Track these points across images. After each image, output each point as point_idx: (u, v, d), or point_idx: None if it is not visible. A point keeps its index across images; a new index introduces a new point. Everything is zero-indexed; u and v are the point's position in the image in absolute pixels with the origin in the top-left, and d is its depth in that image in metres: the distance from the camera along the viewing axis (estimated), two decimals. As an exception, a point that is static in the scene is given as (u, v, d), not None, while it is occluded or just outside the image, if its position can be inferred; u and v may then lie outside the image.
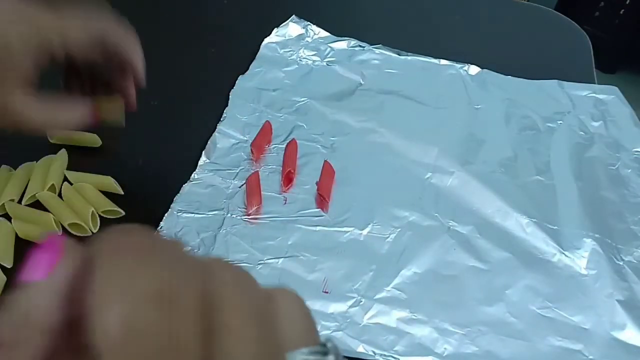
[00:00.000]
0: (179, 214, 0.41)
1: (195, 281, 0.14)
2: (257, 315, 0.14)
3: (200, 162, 0.46)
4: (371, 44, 0.60)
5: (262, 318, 0.15)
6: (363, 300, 0.38)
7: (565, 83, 0.59)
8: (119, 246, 0.14)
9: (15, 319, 0.14)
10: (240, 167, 0.46)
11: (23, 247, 0.38)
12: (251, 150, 0.47)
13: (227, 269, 0.15)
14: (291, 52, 0.58)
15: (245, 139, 0.48)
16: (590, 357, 0.36)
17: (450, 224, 0.43)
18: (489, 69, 0.59)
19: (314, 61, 0.58)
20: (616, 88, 0.59)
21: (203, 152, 0.46)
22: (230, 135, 0.48)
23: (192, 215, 0.42)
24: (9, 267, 0.38)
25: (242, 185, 0.44)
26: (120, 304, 0.13)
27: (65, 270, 0.15)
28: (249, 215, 0.42)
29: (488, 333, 0.37)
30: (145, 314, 0.13)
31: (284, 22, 0.61)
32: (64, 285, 0.15)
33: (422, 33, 0.66)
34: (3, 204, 0.41)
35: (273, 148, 0.48)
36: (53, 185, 0.42)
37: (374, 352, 0.35)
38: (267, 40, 0.59)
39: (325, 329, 0.36)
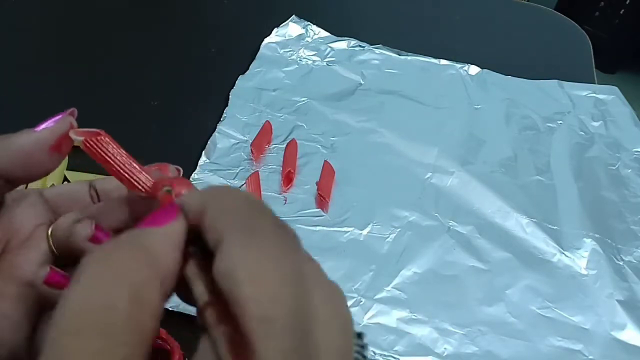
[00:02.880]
0: (179, 214, 0.41)
1: (300, 263, 0.16)
2: (339, 303, 0.16)
3: (200, 162, 0.46)
4: (371, 44, 0.60)
5: (340, 304, 0.16)
6: (363, 300, 0.38)
7: (565, 83, 0.59)
8: (246, 221, 0.16)
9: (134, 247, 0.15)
10: (240, 167, 0.46)
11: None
12: (251, 150, 0.47)
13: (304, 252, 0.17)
14: (291, 52, 0.58)
15: (245, 139, 0.48)
16: (590, 357, 0.36)
17: (450, 224, 0.43)
18: (489, 69, 0.59)
19: (314, 61, 0.58)
20: (616, 88, 0.59)
21: (203, 152, 0.46)
22: (230, 135, 0.48)
23: (192, 215, 0.42)
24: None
25: (242, 185, 0.44)
26: (265, 286, 0.14)
27: (181, 224, 0.16)
28: (249, 215, 0.42)
29: (488, 333, 0.37)
30: (283, 297, 0.14)
31: (284, 22, 0.62)
32: (182, 236, 0.16)
33: (422, 33, 0.66)
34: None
35: (273, 148, 0.48)
36: (53, 185, 0.42)
37: (374, 352, 0.35)
38: (267, 40, 0.59)
39: (325, 329, 0.36)
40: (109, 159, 0.19)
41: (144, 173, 0.19)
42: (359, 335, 0.18)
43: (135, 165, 0.19)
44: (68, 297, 0.14)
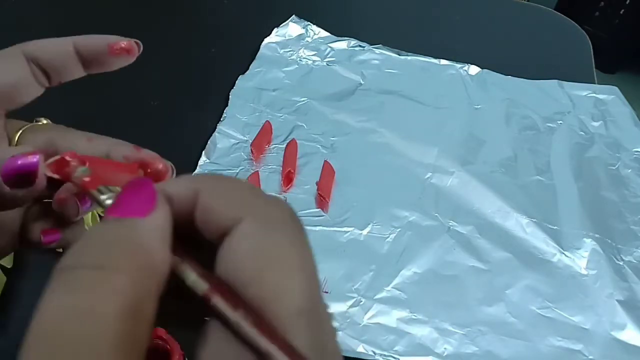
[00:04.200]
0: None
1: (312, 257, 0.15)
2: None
3: (200, 162, 0.46)
4: (371, 44, 0.60)
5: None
6: (363, 300, 0.38)
7: (565, 83, 0.59)
8: (263, 212, 0.15)
9: (116, 248, 0.13)
10: (240, 167, 0.46)
11: (23, 249, 0.38)
12: (251, 150, 0.47)
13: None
14: (291, 52, 0.58)
15: (245, 139, 0.48)
16: (590, 357, 0.36)
17: (450, 224, 0.43)
18: (489, 69, 0.59)
19: (314, 61, 0.58)
20: (616, 88, 0.59)
21: (203, 152, 0.46)
22: (230, 135, 0.48)
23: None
24: (8, 267, 0.38)
25: (242, 185, 0.44)
26: (299, 278, 0.14)
27: (169, 215, 0.15)
28: (249, 215, 0.42)
29: (488, 333, 0.37)
30: (314, 289, 0.14)
31: (284, 22, 0.61)
32: (171, 229, 0.14)
33: (422, 33, 0.66)
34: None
35: (273, 148, 0.48)
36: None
37: (374, 352, 0.35)
38: (267, 40, 0.59)
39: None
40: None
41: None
42: None
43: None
44: (42, 315, 0.11)
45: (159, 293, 0.13)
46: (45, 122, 0.23)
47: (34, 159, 0.19)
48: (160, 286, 0.13)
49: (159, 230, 0.14)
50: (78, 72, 0.23)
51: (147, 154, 0.22)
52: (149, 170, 0.21)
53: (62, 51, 0.22)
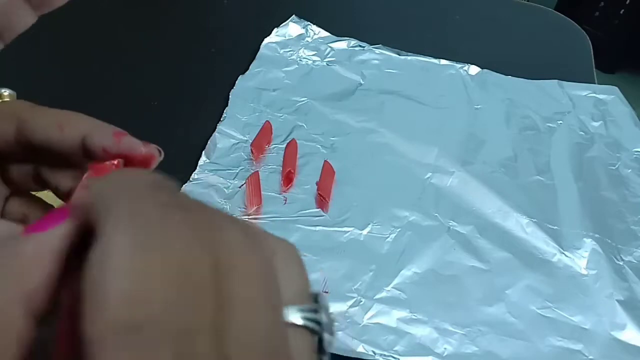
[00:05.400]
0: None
1: (209, 247, 0.13)
2: (265, 280, 0.14)
3: (200, 162, 0.46)
4: (371, 44, 0.60)
5: (269, 281, 0.14)
6: (363, 300, 0.38)
7: (565, 83, 0.59)
8: (129, 206, 0.13)
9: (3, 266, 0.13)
10: (240, 167, 0.46)
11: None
12: (251, 150, 0.47)
13: (234, 227, 0.14)
14: (291, 52, 0.58)
15: (245, 139, 0.48)
16: (590, 357, 0.36)
17: (450, 224, 0.43)
18: (489, 69, 0.59)
19: (314, 61, 0.58)
20: (616, 88, 0.59)
21: (203, 152, 0.46)
22: (230, 135, 0.48)
23: (192, 215, 0.41)
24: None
25: (242, 185, 0.44)
26: (125, 278, 0.11)
27: (66, 227, 0.14)
28: (249, 215, 0.42)
29: (488, 333, 0.37)
30: (156, 293, 0.11)
31: (284, 22, 0.61)
32: (61, 241, 0.14)
33: (422, 33, 0.66)
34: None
35: (273, 148, 0.48)
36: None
37: (374, 352, 0.35)
38: (267, 40, 0.59)
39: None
40: None
41: None
42: (316, 298, 0.16)
43: None
44: None
45: (34, 309, 0.13)
46: (7, 94, 0.22)
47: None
48: (36, 301, 0.13)
49: (43, 244, 0.14)
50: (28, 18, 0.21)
51: (127, 145, 0.20)
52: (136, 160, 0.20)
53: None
